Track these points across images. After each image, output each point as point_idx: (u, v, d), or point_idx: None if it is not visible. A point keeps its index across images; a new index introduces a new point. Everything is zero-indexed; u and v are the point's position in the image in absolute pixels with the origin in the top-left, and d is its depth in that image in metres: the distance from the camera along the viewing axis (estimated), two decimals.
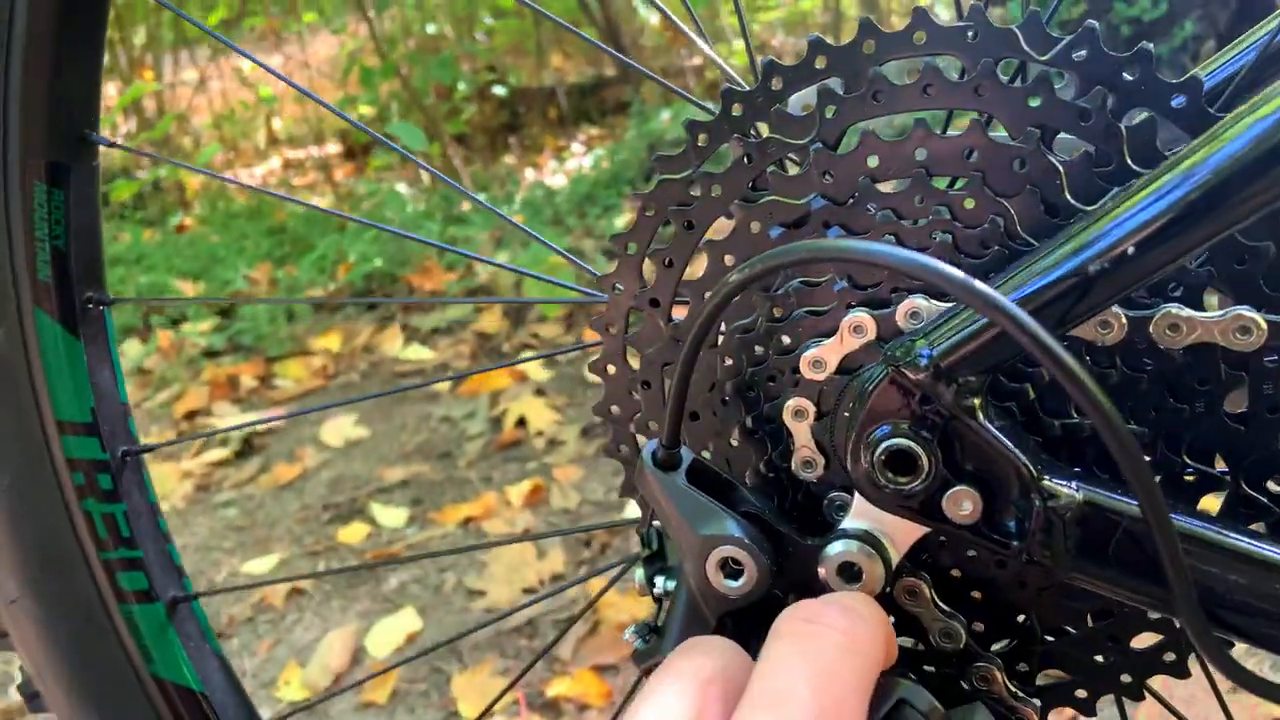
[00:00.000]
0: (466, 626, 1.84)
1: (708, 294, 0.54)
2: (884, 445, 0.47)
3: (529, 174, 8.20)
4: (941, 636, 0.54)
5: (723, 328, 0.57)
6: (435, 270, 3.81)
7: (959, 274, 0.39)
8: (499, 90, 8.91)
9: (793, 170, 0.56)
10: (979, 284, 0.38)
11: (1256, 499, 0.49)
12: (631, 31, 7.26)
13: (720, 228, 0.58)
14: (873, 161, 0.53)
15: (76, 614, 0.76)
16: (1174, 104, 0.49)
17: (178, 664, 0.79)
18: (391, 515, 2.28)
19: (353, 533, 2.24)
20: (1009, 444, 0.45)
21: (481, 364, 3.07)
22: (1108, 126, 0.50)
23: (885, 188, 0.53)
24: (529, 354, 3.01)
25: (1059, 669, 0.56)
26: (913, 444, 0.47)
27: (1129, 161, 0.49)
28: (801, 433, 0.53)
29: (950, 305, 0.48)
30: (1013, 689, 0.54)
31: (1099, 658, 0.55)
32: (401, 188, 5.45)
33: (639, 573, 0.59)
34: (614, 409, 0.63)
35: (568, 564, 1.97)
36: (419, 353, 3.26)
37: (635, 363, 0.62)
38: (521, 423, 2.58)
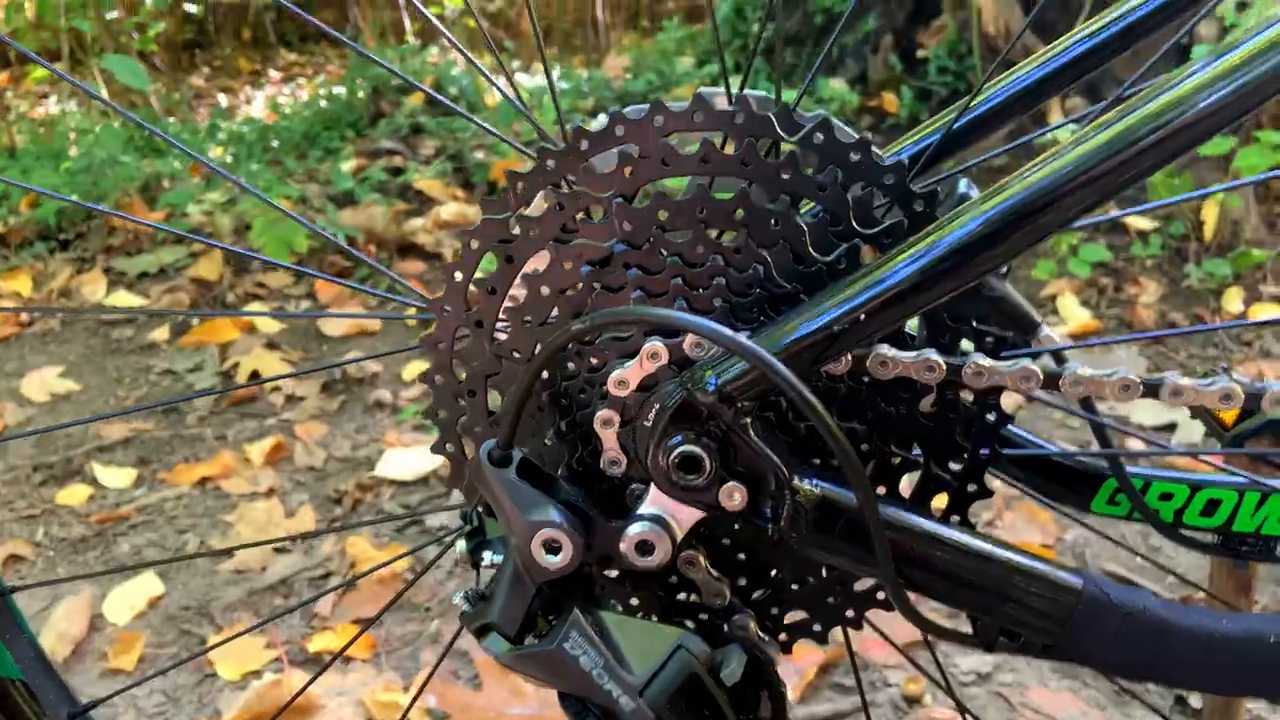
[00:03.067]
0: (214, 590, 1.85)
1: (545, 330, 0.65)
2: (677, 450, 0.61)
3: (221, 98, 7.69)
4: (712, 595, 0.69)
5: (537, 349, 0.68)
6: (138, 206, 3.56)
7: (734, 335, 0.53)
8: (192, 7, 8.24)
9: (597, 217, 0.67)
10: (747, 342, 0.52)
11: (941, 476, 0.67)
12: None
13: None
14: (663, 215, 0.66)
15: None
16: (886, 180, 0.65)
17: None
18: (115, 475, 2.19)
19: (72, 495, 2.14)
20: (770, 453, 0.59)
21: (204, 312, 2.95)
22: (839, 196, 0.65)
23: (674, 236, 0.66)
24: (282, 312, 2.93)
25: (802, 609, 0.73)
26: (699, 450, 0.60)
27: (854, 223, 0.65)
28: (609, 438, 0.65)
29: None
30: (762, 634, 0.70)
31: (830, 599, 0.72)
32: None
33: (461, 545, 0.70)
34: (441, 413, 0.72)
35: (319, 522, 2.01)
36: (127, 299, 3.07)
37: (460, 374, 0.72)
38: (255, 377, 2.54)
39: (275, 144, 4.22)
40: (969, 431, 0.67)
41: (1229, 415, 0.95)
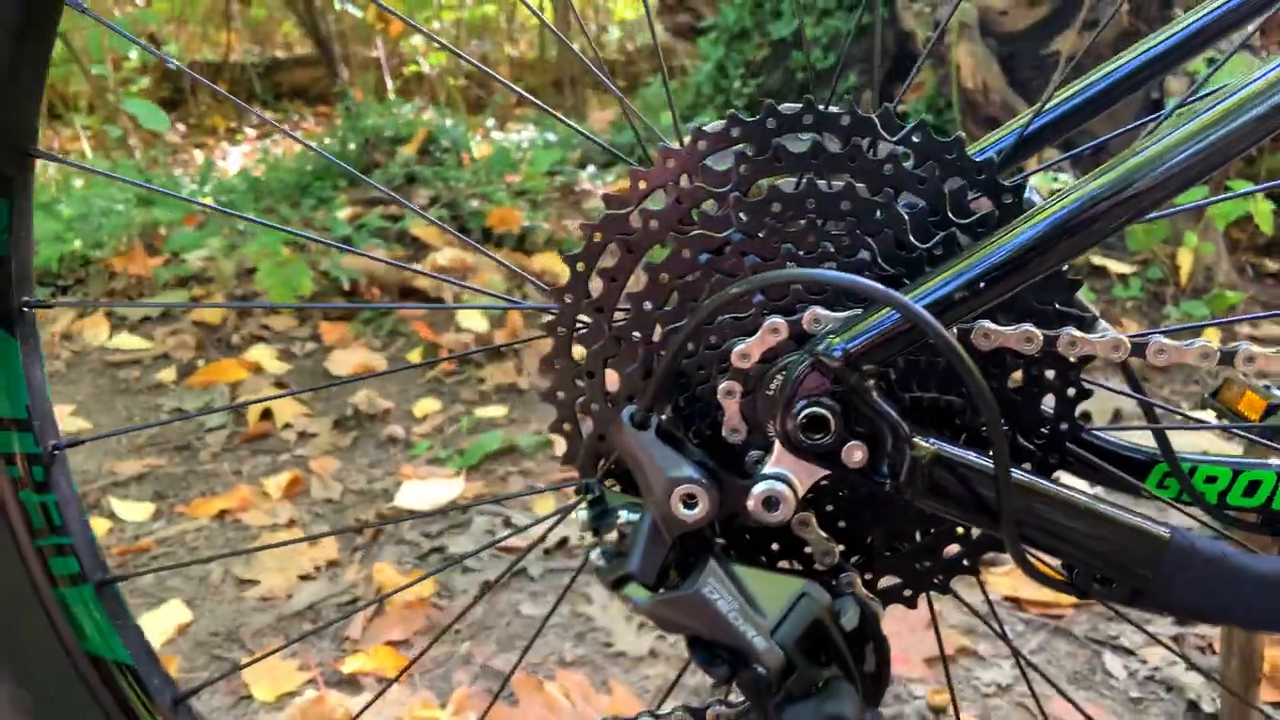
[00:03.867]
0: (241, 616, 1.86)
1: (701, 299, 0.71)
2: (804, 412, 0.67)
3: (197, 155, 7.75)
4: (822, 554, 0.75)
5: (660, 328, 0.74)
6: (139, 254, 3.60)
7: (899, 295, 0.60)
8: (172, 64, 8.31)
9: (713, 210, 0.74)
10: (907, 300, 0.59)
11: (1025, 446, 0.74)
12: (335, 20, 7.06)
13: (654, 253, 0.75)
14: (776, 207, 0.72)
15: (9, 598, 0.79)
16: (979, 176, 0.72)
17: (109, 641, 0.84)
18: (133, 510, 2.21)
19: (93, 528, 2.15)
20: (891, 412, 0.66)
21: (207, 355, 2.98)
22: (936, 190, 0.72)
23: (786, 226, 0.73)
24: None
25: (894, 575, 0.78)
26: (825, 411, 0.67)
27: (949, 214, 0.72)
28: (731, 407, 0.71)
29: (849, 313, 0.68)
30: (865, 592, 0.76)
31: (919, 565, 0.78)
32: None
33: (581, 514, 0.75)
34: (560, 394, 0.78)
35: (341, 550, 2.03)
36: (131, 341, 3.10)
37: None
38: (266, 415, 2.57)
39: (268, 192, 4.28)
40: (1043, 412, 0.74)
41: (1253, 411, 1.03)
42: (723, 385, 0.71)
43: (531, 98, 0.94)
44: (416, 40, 8.61)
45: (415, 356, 2.96)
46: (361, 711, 1.08)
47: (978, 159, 0.73)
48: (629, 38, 9.57)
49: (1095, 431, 0.88)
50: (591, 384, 0.77)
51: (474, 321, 3.13)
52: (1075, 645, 1.70)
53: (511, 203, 4.01)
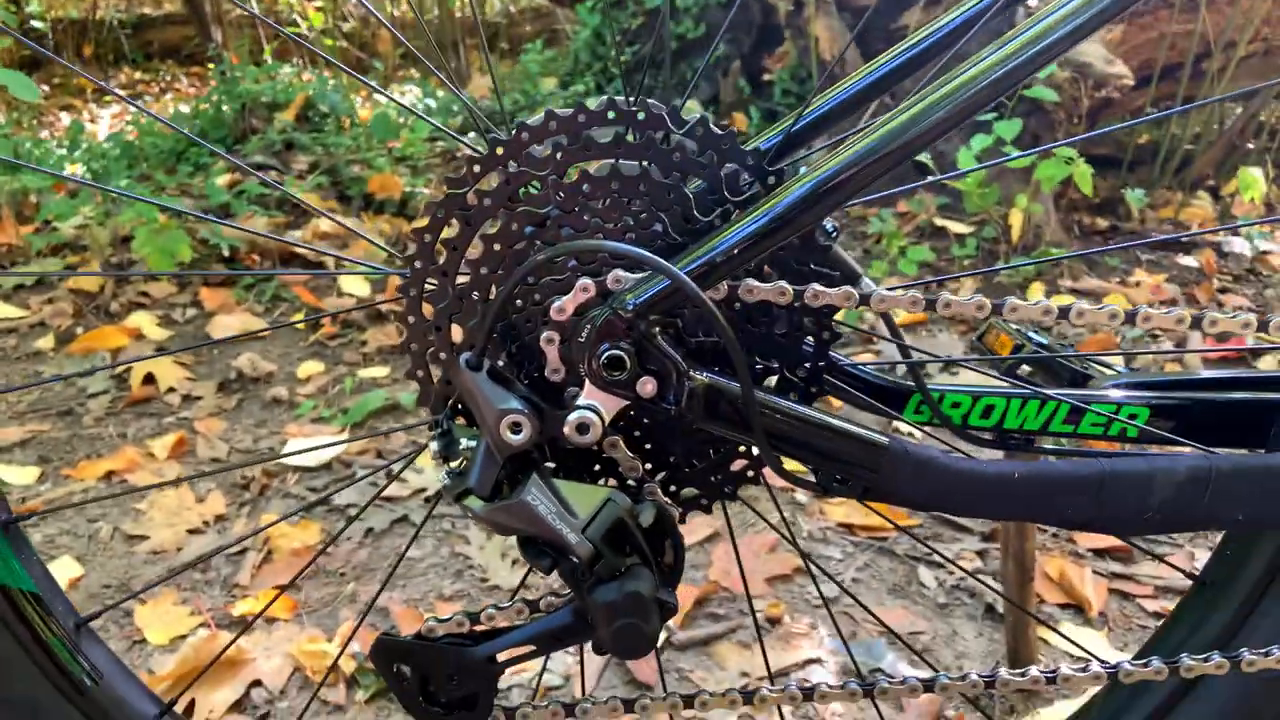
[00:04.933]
0: (132, 569, 1.96)
1: (512, 267, 0.87)
2: (605, 353, 0.84)
3: (64, 116, 7.51)
4: (629, 470, 0.92)
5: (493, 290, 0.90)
6: (8, 222, 3.56)
7: (658, 260, 0.77)
8: (37, 23, 8.01)
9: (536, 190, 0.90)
10: (666, 264, 0.76)
11: (791, 379, 0.92)
12: None
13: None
14: (586, 188, 0.89)
15: None
16: (749, 162, 0.90)
17: (14, 572, 0.96)
18: (19, 473, 2.26)
19: None
20: (672, 353, 0.83)
21: (86, 322, 3.00)
22: (715, 174, 0.89)
23: (595, 204, 0.89)
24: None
25: (691, 486, 0.97)
26: (622, 353, 0.84)
27: (726, 194, 0.89)
28: (551, 352, 0.88)
29: (642, 275, 0.85)
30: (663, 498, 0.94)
31: (712, 478, 0.96)
32: None
33: (433, 445, 0.90)
34: (414, 347, 0.93)
35: (229, 505, 2.14)
36: (4, 310, 3.10)
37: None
38: (149, 380, 2.63)
39: (143, 160, 4.24)
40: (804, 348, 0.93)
41: (1004, 348, 1.25)
42: (544, 334, 0.87)
43: (420, 56, 1.08)
44: None
45: (298, 318, 3.04)
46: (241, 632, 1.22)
47: (760, 149, 0.91)
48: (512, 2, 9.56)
49: (861, 367, 1.07)
50: (439, 337, 0.93)
51: (356, 286, 3.22)
52: (896, 561, 1.94)
53: (393, 169, 4.08)
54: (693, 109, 4.50)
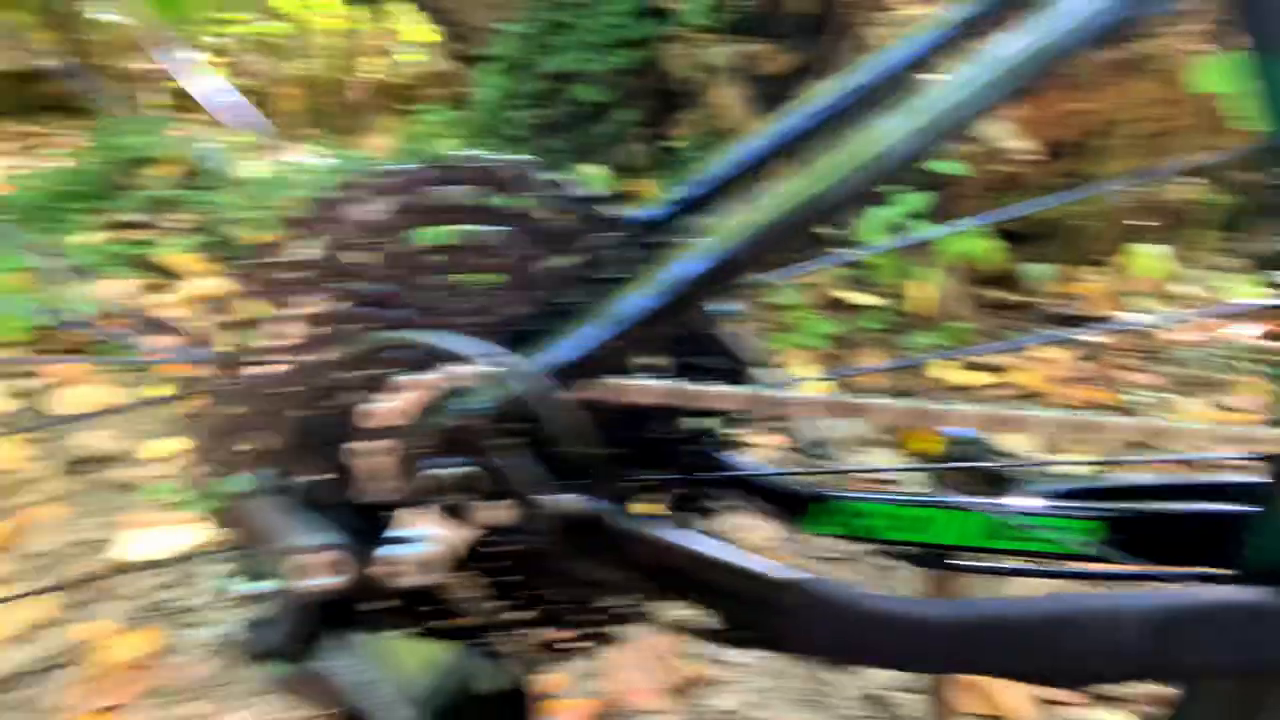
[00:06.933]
0: None
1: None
2: (444, 472, 0.66)
3: None
4: (473, 615, 0.74)
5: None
6: None
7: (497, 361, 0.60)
8: None
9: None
10: (510, 360, 0.59)
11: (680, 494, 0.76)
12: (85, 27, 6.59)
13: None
14: (429, 259, 0.72)
15: None
16: (625, 233, 0.75)
17: None
18: None
19: None
20: (523, 471, 0.66)
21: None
22: (584, 246, 0.74)
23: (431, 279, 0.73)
24: None
25: (549, 628, 0.79)
26: (464, 472, 0.66)
27: (600, 271, 0.74)
28: (367, 465, 0.70)
29: (482, 371, 0.68)
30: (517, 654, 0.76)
31: (576, 619, 0.79)
32: None
33: (221, 584, 0.72)
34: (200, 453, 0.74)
35: (61, 609, 1.87)
36: None
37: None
38: None
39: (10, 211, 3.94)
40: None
41: (935, 446, 1.12)
42: (358, 443, 0.70)
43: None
44: (192, 54, 8.18)
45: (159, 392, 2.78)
46: None
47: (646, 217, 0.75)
48: (417, 62, 9.44)
49: (762, 472, 0.92)
50: (224, 442, 0.75)
51: None
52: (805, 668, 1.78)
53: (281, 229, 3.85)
54: (596, 178, 4.40)
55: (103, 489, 2.31)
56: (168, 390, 2.71)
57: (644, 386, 0.68)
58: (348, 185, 0.72)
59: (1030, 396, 3.00)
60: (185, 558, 2.02)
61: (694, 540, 0.70)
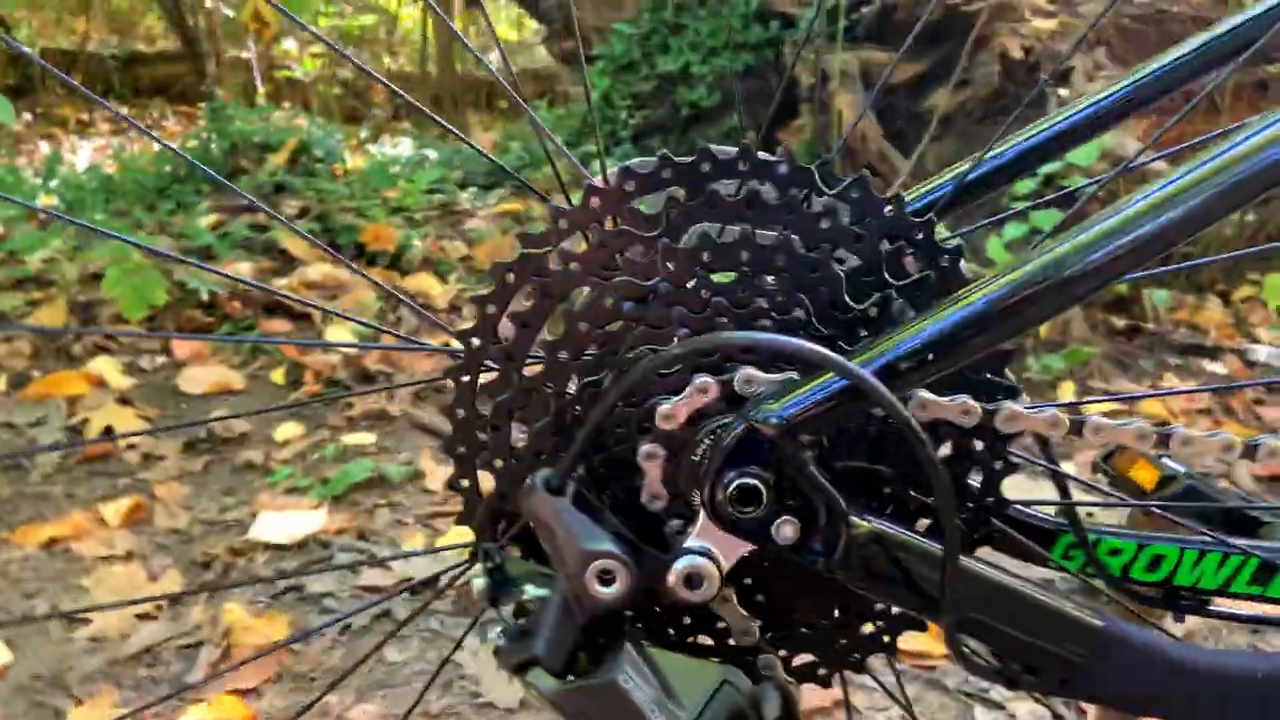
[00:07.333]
0: (69, 658, 1.69)
1: (622, 352, 0.65)
2: (734, 483, 0.61)
3: (43, 145, 7.32)
4: (740, 633, 0.69)
5: (573, 382, 0.68)
6: None
7: (852, 365, 0.55)
8: (25, 48, 7.83)
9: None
10: (859, 369, 0.54)
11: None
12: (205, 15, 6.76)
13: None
14: (707, 256, 0.67)
15: None
16: (915, 235, 0.69)
17: None
18: None
19: None
20: (829, 486, 0.61)
21: (43, 364, 2.75)
22: (873, 248, 0.68)
23: (716, 277, 0.68)
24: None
25: (811, 653, 0.74)
26: (756, 482, 0.61)
27: (885, 274, 0.68)
28: (653, 472, 0.65)
29: (783, 375, 0.63)
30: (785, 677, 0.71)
31: (836, 643, 0.73)
32: None
33: (478, 583, 0.68)
34: (461, 448, 0.71)
35: (186, 586, 1.87)
36: None
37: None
38: (108, 433, 2.37)
39: (122, 192, 4.01)
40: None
41: (1147, 480, 1.04)
42: (645, 447, 0.65)
43: (424, 109, 0.87)
44: (290, 45, 8.34)
45: (278, 375, 2.80)
46: None
47: (912, 211, 0.70)
48: (511, 60, 9.52)
49: (1016, 501, 0.85)
50: (497, 438, 0.70)
51: (342, 337, 2.99)
52: (947, 697, 1.70)
53: (387, 219, 3.87)
54: None
55: (225, 469, 2.32)
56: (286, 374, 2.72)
57: (954, 403, 0.63)
58: (623, 174, 0.68)
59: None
60: (315, 542, 2.01)
61: (1000, 574, 0.64)
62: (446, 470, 2.26)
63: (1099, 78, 3.50)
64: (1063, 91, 3.57)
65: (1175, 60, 0.86)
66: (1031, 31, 3.56)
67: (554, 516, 0.61)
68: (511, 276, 0.68)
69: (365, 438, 2.46)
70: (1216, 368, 3.46)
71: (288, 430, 2.47)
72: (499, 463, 0.70)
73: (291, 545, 2.01)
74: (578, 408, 0.68)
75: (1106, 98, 0.83)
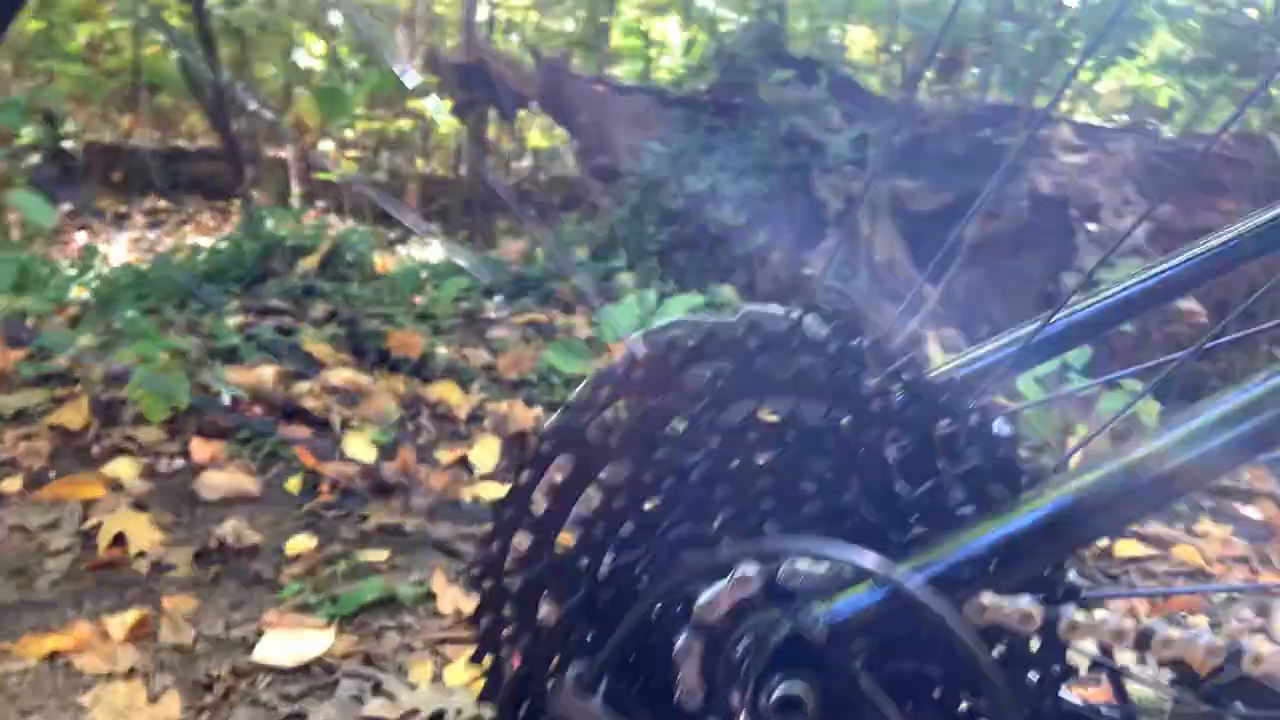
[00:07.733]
0: None
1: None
2: (778, 688, 0.57)
3: (80, 236, 7.47)
4: None
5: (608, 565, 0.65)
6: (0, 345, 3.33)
7: (915, 590, 0.51)
8: (68, 143, 8.07)
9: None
10: (928, 595, 0.51)
11: None
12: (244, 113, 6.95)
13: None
14: (753, 435, 0.65)
15: None
16: (970, 422, 0.66)
17: None
18: None
19: None
20: (885, 696, 0.57)
21: (61, 464, 2.73)
22: (926, 433, 0.65)
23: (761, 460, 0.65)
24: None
25: None
26: (800, 690, 0.57)
27: (944, 462, 0.65)
28: (690, 669, 0.61)
29: (830, 574, 0.60)
30: None
31: None
32: None
33: None
34: (485, 621, 0.67)
35: (186, 710, 1.81)
36: None
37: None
38: (120, 540, 2.33)
39: (154, 292, 4.06)
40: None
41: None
42: (682, 641, 0.61)
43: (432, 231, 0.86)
44: (328, 145, 8.55)
45: (294, 483, 2.77)
46: None
47: (964, 378, 0.67)
48: (542, 168, 9.72)
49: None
50: (521, 615, 0.67)
51: (360, 450, 2.96)
52: None
53: (414, 326, 3.89)
54: (727, 298, 4.38)
55: (232, 581, 2.27)
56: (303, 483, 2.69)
57: (1018, 610, 0.59)
58: (668, 344, 0.65)
59: (1195, 574, 2.78)
60: (320, 667, 1.94)
61: None
62: (457, 592, 2.20)
63: (1127, 213, 3.52)
64: (1091, 226, 3.58)
65: (1236, 238, 0.84)
66: (1061, 167, 3.60)
67: (584, 718, 0.57)
68: (547, 445, 0.66)
69: (378, 554, 2.41)
70: (1251, 512, 3.38)
71: (299, 543, 2.43)
72: (521, 640, 0.67)
73: (296, 668, 1.95)
74: (609, 591, 0.64)
75: (1149, 279, 0.81)
